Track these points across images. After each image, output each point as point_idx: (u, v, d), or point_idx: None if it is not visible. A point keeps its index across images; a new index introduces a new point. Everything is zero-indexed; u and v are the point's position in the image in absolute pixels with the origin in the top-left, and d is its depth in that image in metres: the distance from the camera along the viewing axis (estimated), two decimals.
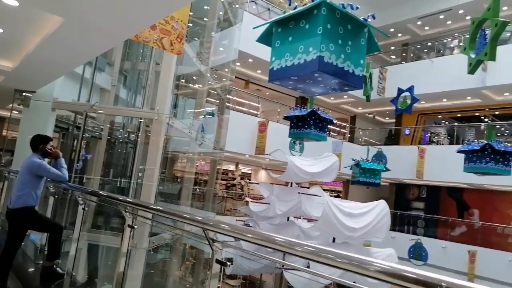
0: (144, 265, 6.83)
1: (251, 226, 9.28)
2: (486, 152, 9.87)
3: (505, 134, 18.47)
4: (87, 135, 8.66)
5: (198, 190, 12.51)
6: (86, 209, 4.26)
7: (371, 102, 19.40)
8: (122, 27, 3.45)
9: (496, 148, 9.71)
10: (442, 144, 18.98)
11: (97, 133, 9.58)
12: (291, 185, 9.38)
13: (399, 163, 16.02)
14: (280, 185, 9.17)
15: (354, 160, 13.64)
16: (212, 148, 12.05)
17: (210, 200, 11.24)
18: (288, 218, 9.23)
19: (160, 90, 7.70)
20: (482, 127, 17.95)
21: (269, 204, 8.65)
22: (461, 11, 17.19)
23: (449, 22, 18.23)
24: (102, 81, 8.91)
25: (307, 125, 10.05)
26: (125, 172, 8.40)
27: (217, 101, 12.98)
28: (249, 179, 23.14)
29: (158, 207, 3.22)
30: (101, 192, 4.38)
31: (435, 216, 16.43)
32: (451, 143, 17.96)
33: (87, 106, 7.80)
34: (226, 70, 13.12)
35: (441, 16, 17.68)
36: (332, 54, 3.04)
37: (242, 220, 9.69)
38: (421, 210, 17.77)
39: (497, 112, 17.58)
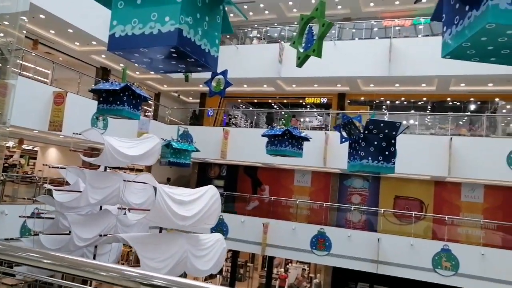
0: None
1: (52, 218, 7.77)
2: (285, 137, 11.04)
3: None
4: None
5: None
6: None
7: (176, 80, 19.38)
8: None
9: (294, 133, 11.02)
10: (240, 127, 20.62)
11: None
12: (105, 170, 8.28)
13: (204, 144, 16.49)
14: (92, 170, 7.95)
15: (164, 140, 13.24)
16: None
17: None
18: (101, 207, 8.15)
19: None
20: (273, 112, 20.40)
21: (78, 192, 7.38)
22: (261, 5, 18.80)
23: (251, 13, 19.69)
24: None
25: (119, 101, 9.08)
26: None
27: None
28: (33, 158, 19.78)
29: None
30: None
31: (234, 193, 17.84)
32: (250, 126, 19.75)
33: None
34: (7, 23, 10.47)
35: (245, 7, 18.91)
36: (191, 29, 2.70)
37: (43, 212, 7.97)
38: (221, 188, 18.94)
39: (285, 101, 20.26)
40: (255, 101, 21.11)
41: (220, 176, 19.45)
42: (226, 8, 3.18)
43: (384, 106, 18.66)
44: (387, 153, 8.18)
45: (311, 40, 6.84)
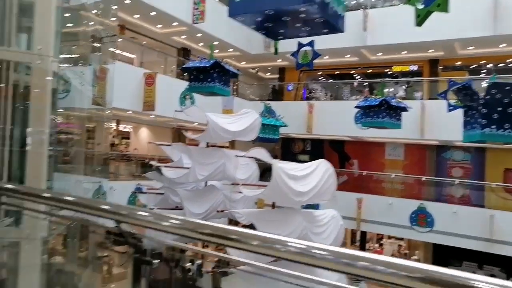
0: (40, 257, 5.08)
1: (162, 194, 8.00)
2: (382, 108, 10.28)
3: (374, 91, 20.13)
4: None
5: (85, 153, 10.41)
6: None
7: (255, 57, 19.12)
8: None
9: (391, 103, 10.21)
10: (319, 100, 19.89)
11: None
12: (207, 146, 8.30)
13: (287, 118, 16.06)
14: (196, 146, 8.00)
15: None
16: (90, 104, 10.03)
17: (103, 164, 9.41)
18: (206, 183, 8.21)
19: (38, 23, 5.54)
20: (355, 84, 19.38)
21: (185, 168, 7.45)
22: None
23: None
24: None
25: (210, 78, 9.01)
26: None
27: (97, 47, 10.65)
28: (125, 138, 20.92)
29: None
30: None
31: None
32: (331, 99, 18.97)
33: None
34: (101, 12, 10.85)
35: None
36: None
37: (152, 188, 8.24)
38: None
39: (369, 71, 19.08)
40: (336, 72, 20.17)
41: (305, 151, 19.06)
42: None
43: (484, 71, 16.73)
44: None
45: None
